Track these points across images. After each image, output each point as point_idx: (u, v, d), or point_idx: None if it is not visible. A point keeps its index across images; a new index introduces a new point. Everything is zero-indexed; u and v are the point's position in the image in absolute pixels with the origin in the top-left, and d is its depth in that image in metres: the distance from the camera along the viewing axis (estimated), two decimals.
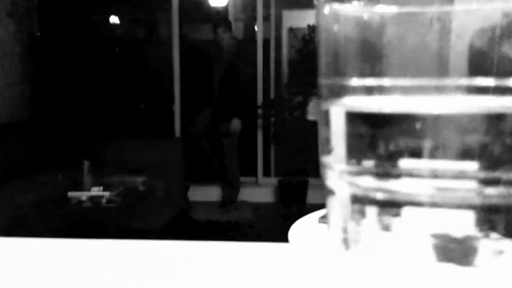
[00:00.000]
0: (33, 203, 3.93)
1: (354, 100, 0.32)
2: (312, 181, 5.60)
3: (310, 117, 5.61)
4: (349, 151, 0.31)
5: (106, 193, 4.01)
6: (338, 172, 0.32)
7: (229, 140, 5.54)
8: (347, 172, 0.31)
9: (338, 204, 0.32)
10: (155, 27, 6.85)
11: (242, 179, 5.97)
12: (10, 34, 5.34)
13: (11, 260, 0.64)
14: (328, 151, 0.33)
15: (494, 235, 0.28)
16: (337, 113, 0.32)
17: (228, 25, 5.47)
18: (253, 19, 6.29)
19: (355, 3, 0.32)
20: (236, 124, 5.45)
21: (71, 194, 4.03)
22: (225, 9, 6.24)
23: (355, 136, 0.31)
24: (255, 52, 6.14)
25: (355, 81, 0.32)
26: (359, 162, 0.31)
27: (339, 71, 0.33)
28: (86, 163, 4.17)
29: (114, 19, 6.71)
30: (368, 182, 0.30)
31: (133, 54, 6.79)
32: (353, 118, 0.32)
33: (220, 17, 6.06)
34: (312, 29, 5.43)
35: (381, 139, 0.30)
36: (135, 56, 6.80)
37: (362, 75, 0.32)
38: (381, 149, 0.30)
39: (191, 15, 6.36)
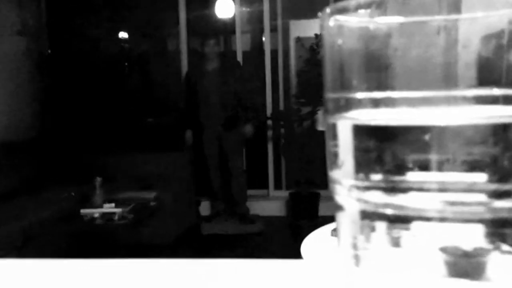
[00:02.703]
0: (45, 221, 3.94)
1: (361, 113, 0.32)
2: (323, 193, 5.56)
3: (320, 127, 5.60)
4: (357, 166, 0.31)
5: (119, 210, 4.02)
6: (347, 188, 0.31)
7: (235, 145, 5.51)
8: (355, 187, 0.31)
9: (348, 220, 0.32)
10: (163, 41, 6.88)
11: (253, 192, 5.95)
12: (20, 52, 5.39)
13: (23, 282, 0.64)
14: (336, 166, 0.33)
15: (505, 248, 0.27)
16: (344, 127, 0.32)
17: (216, 40, 5.48)
18: (260, 30, 6.30)
19: (360, 13, 0.31)
20: (248, 129, 5.46)
21: (83, 211, 4.04)
22: (232, 21, 6.26)
23: (363, 150, 0.31)
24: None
25: (361, 94, 0.32)
26: (367, 177, 0.30)
27: (345, 84, 0.33)
28: (98, 180, 4.18)
29: (122, 34, 6.75)
30: (377, 198, 0.30)
31: (142, 68, 6.82)
32: (361, 131, 0.31)
33: (208, 31, 6.05)
34: (320, 38, 5.42)
35: (388, 152, 0.30)
36: (144, 71, 6.83)
37: (368, 88, 0.32)
38: (389, 162, 0.29)
39: (199, 28, 6.38)
